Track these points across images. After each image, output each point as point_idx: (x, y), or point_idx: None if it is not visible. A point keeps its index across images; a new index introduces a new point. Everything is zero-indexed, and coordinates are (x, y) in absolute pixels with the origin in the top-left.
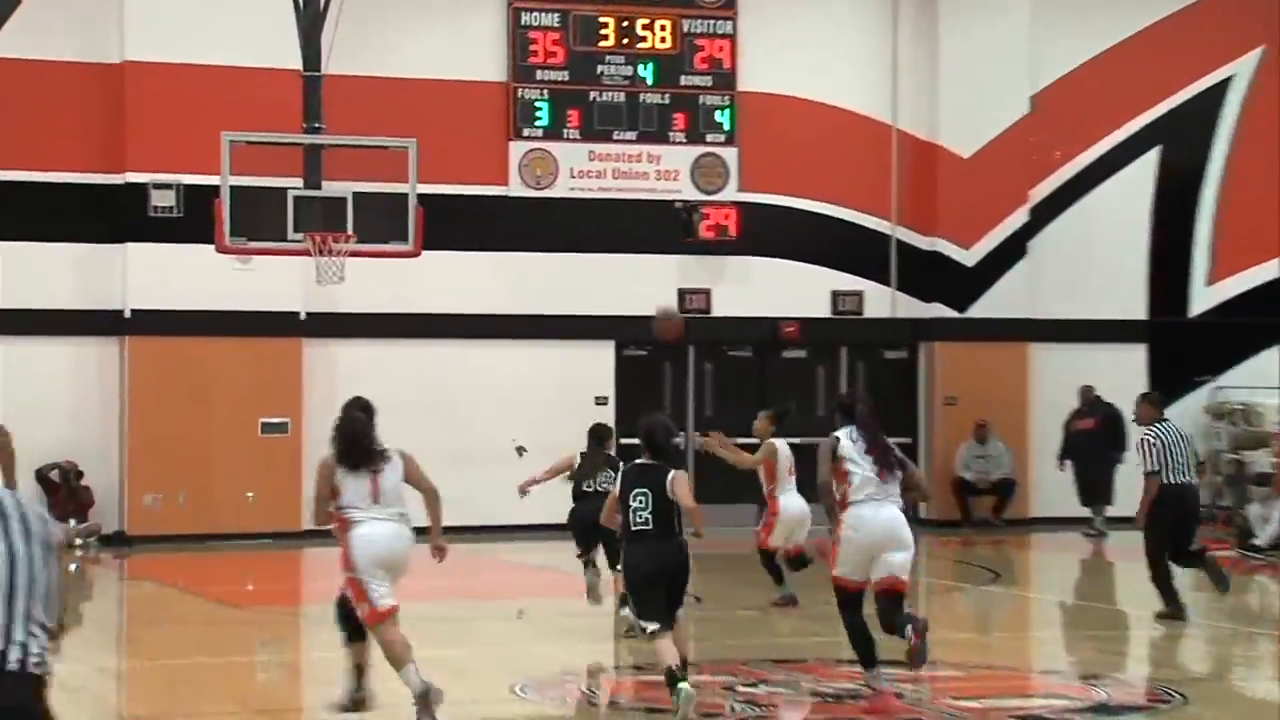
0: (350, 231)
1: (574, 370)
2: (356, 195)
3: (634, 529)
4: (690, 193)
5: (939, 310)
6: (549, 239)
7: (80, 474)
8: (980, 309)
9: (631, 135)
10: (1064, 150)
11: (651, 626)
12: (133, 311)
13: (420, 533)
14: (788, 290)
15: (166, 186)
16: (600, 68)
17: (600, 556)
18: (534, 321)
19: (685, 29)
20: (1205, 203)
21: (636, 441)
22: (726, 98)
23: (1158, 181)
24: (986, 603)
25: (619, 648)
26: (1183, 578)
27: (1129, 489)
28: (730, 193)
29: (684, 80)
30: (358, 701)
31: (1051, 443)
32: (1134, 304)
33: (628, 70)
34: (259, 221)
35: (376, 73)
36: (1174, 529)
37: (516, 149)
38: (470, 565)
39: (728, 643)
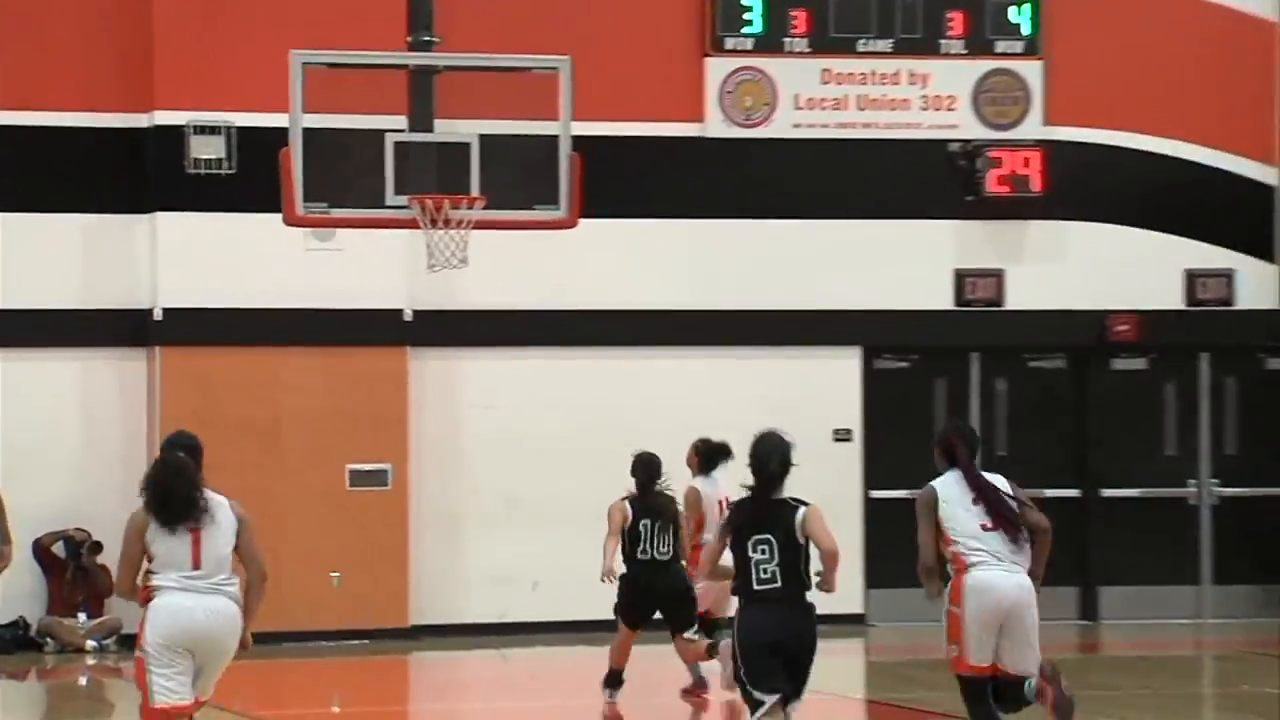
0: (476, 193)
1: (801, 391)
2: (485, 140)
3: (756, 588)
4: (973, 129)
5: None
6: (762, 200)
7: (96, 547)
8: None
9: (885, 45)
10: None
11: (770, 699)
12: (165, 311)
13: None
14: (1119, 270)
15: (212, 130)
16: None
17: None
18: (741, 320)
19: None
20: None
21: (895, 494)
22: None
23: None
24: None
25: None
26: None
27: None
28: (1032, 128)
29: None
30: None
31: None
32: None
33: None
34: (345, 180)
35: None
36: None
37: (716, 68)
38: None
39: None
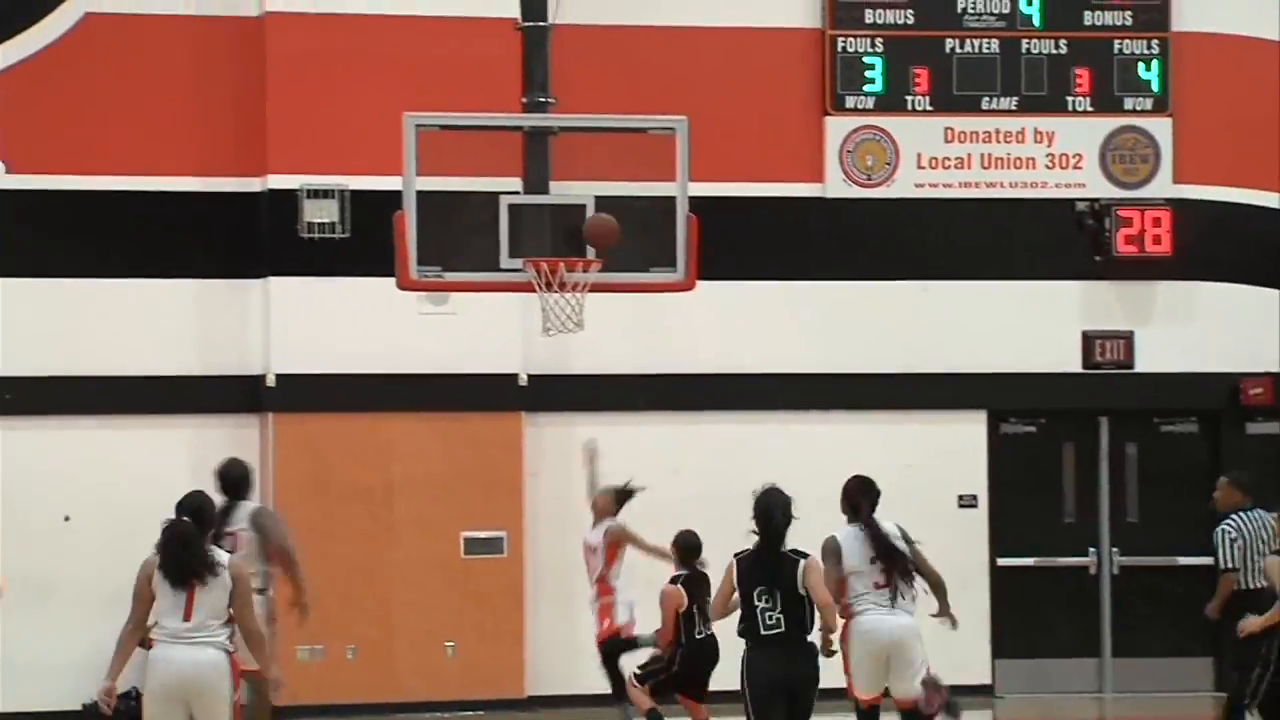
0: (592, 255)
1: (925, 456)
2: (600, 201)
3: (763, 633)
4: (1100, 188)
5: None
6: (883, 261)
7: None
8: None
9: (1010, 103)
10: None
11: None
12: (278, 378)
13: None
14: (1251, 331)
15: (325, 194)
16: (961, 3)
17: None
18: (863, 384)
19: None
20: None
21: (1022, 562)
22: (1155, 44)
23: None
24: None
25: None
26: None
27: None
28: (1162, 186)
29: (1089, 18)
30: None
31: None
32: None
33: (1003, 6)
34: (459, 243)
35: (626, 20)
36: None
37: (836, 128)
38: None
39: None
